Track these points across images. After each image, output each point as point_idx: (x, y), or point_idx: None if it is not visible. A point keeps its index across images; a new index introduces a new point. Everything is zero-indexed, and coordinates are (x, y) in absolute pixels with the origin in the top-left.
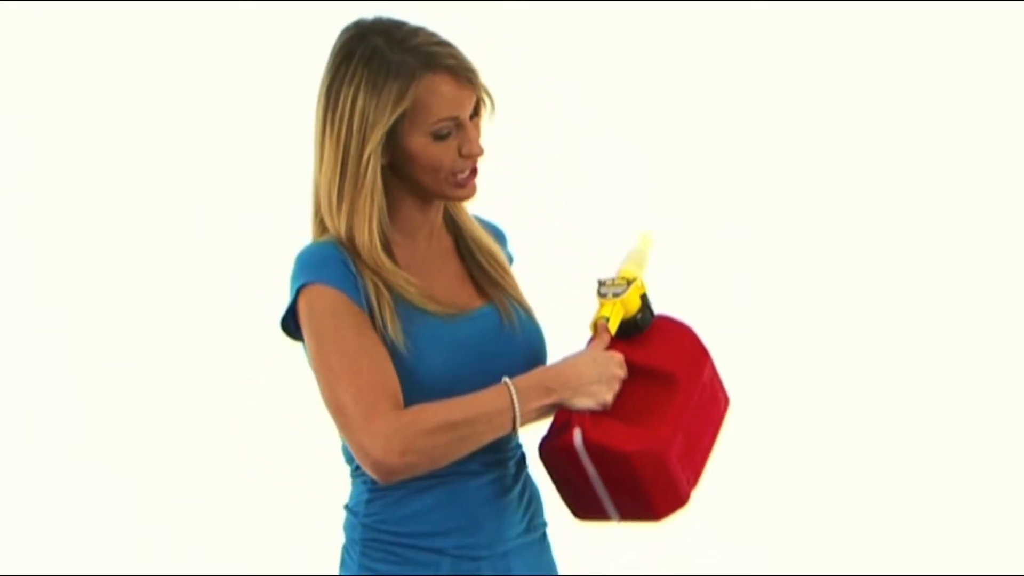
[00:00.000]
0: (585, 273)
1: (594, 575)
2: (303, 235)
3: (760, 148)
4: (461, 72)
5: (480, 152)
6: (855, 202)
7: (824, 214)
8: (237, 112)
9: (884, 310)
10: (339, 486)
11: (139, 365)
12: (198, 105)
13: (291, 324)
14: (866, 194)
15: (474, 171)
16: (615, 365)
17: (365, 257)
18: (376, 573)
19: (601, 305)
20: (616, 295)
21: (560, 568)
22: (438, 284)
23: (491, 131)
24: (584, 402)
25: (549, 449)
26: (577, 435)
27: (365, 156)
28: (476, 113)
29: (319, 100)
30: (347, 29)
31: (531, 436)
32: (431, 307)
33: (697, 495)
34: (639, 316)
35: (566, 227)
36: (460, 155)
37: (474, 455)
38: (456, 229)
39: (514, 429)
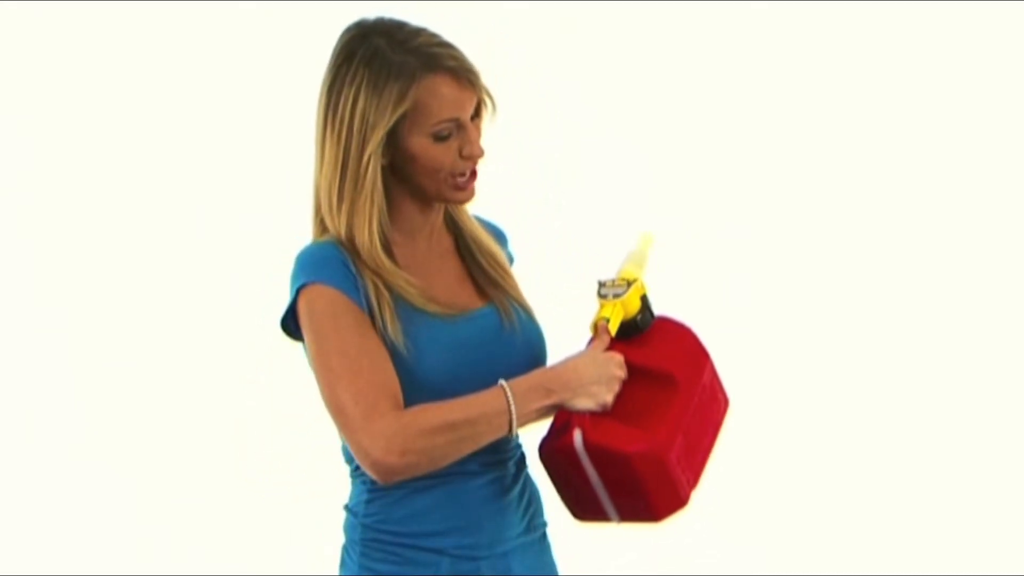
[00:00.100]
0: (585, 273)
1: (594, 575)
2: (303, 235)
3: (760, 148)
4: (462, 73)
5: (481, 153)
6: (855, 202)
7: (824, 214)
8: (238, 112)
9: (884, 310)
10: (339, 486)
11: (139, 365)
12: (199, 105)
13: (291, 324)
14: (866, 194)
15: (474, 174)
16: (615, 366)
17: (365, 257)
18: (376, 573)
19: (601, 306)
20: (616, 296)
21: (560, 568)
22: (438, 284)
23: (491, 131)
24: (584, 403)
25: (549, 450)
26: (577, 436)
27: (365, 157)
28: (477, 114)
29: (320, 100)
30: (348, 29)
31: (531, 436)
32: (431, 308)
33: (697, 496)
34: (639, 317)
35: (566, 227)
36: (461, 156)
37: (474, 455)
38: (456, 229)
39: (512, 430)
